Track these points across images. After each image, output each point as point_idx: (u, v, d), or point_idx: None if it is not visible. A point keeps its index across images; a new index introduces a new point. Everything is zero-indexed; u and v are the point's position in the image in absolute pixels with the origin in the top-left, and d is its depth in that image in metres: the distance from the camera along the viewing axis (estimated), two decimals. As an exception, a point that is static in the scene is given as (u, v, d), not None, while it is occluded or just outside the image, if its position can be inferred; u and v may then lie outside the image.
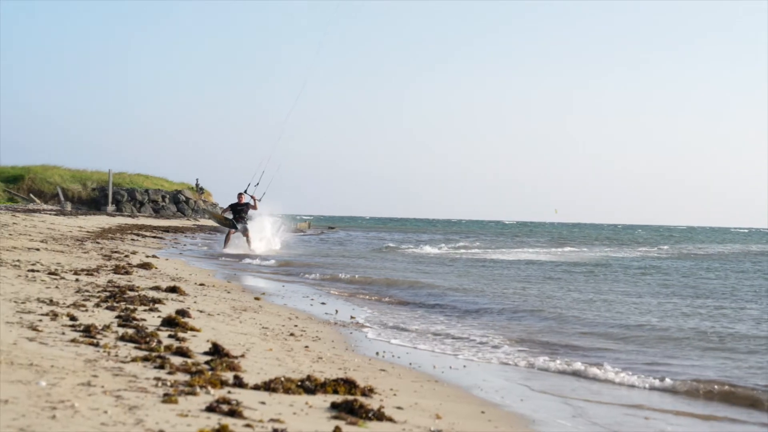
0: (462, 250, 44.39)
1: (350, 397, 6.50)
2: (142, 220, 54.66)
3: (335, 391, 6.85)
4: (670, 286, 23.14)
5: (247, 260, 27.03)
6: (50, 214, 43.66)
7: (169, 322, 9.35)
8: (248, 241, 31.36)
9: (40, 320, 8.37)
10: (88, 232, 31.73)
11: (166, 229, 44.97)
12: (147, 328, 8.74)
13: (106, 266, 16.30)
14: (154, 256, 22.03)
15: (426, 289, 19.46)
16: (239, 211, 31.64)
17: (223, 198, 70.21)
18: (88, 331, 8.00)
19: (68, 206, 63.95)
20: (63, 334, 7.78)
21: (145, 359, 6.98)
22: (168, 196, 72.59)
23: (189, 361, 7.29)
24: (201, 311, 11.47)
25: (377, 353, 10.35)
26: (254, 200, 31.96)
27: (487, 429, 6.78)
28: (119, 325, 8.73)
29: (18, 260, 14.73)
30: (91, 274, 14.10)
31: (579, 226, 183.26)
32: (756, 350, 11.88)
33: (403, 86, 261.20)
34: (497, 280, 23.78)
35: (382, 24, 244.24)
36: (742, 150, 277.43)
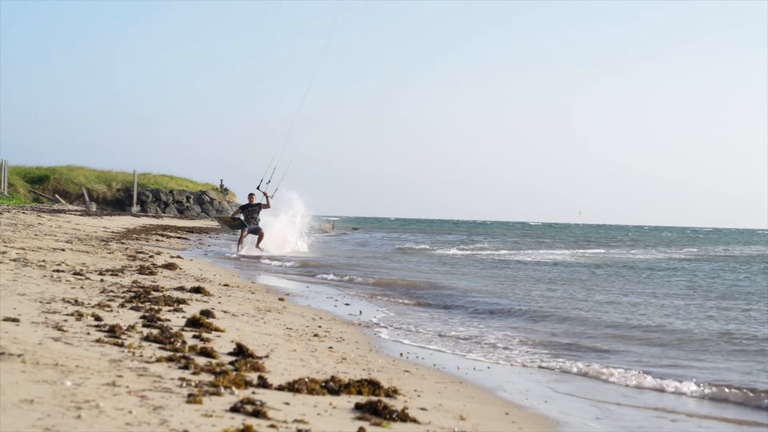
0: (486, 251, 44.30)
1: (374, 398, 6.48)
2: (166, 221, 54.94)
3: (359, 392, 6.84)
4: (696, 288, 22.99)
5: (268, 261, 26.93)
6: (75, 214, 43.92)
7: (193, 323, 9.38)
8: (259, 240, 30.36)
9: (66, 320, 8.41)
10: (112, 232, 31.89)
11: (191, 230, 45.18)
12: (171, 329, 8.76)
13: (131, 267, 16.37)
14: (178, 257, 22.10)
15: (449, 291, 19.42)
16: (251, 212, 30.59)
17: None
18: (112, 331, 8.02)
19: (93, 207, 64.35)
20: (88, 334, 7.81)
21: (169, 359, 6.99)
22: (192, 196, 72.91)
23: (213, 361, 7.30)
24: (225, 312, 11.49)
25: (401, 354, 10.34)
26: (267, 197, 30.95)
27: (512, 430, 6.75)
28: (144, 326, 8.76)
29: (43, 260, 14.81)
30: (116, 275, 14.16)
31: (604, 227, 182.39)
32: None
33: (429, 87, 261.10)
34: (521, 281, 23.71)
35: (404, 23, 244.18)
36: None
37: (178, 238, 35.97)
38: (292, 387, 6.63)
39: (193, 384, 6.18)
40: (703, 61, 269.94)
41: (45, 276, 12.37)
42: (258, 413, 5.55)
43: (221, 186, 79.00)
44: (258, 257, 28.08)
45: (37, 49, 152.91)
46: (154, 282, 13.94)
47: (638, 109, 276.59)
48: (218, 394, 5.97)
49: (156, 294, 11.96)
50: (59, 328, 7.84)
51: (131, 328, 8.34)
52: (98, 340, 7.50)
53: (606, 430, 7.22)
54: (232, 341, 8.52)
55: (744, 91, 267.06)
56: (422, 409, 6.79)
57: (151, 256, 20.46)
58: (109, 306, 9.87)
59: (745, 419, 8.12)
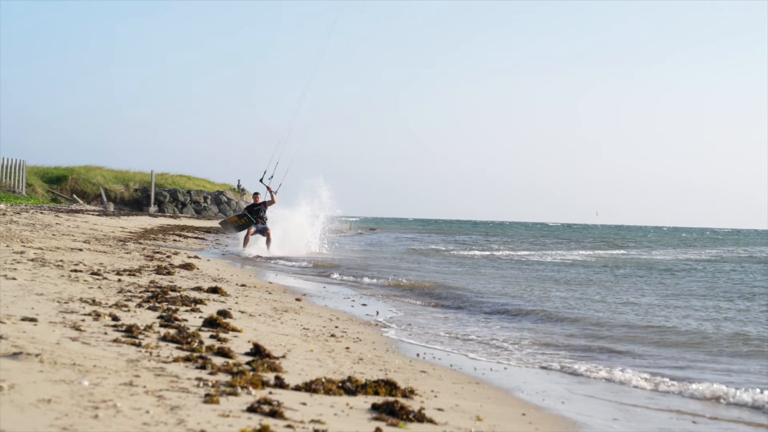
0: (504, 252, 44.24)
1: (391, 399, 6.48)
2: (184, 221, 55.07)
3: (376, 393, 6.83)
4: (714, 289, 22.89)
5: (285, 261, 26.81)
6: (93, 214, 44.07)
7: (210, 323, 9.39)
8: (268, 242, 29.40)
9: (83, 320, 8.43)
10: (130, 232, 31.97)
11: (208, 230, 45.25)
12: (189, 329, 8.77)
13: (148, 267, 16.40)
14: (195, 257, 22.14)
15: (466, 292, 19.38)
16: (257, 212, 29.57)
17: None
18: (130, 331, 8.04)
19: (111, 207, 64.57)
20: (105, 334, 7.83)
21: (186, 359, 7.00)
22: (210, 197, 73.05)
23: (230, 361, 7.30)
24: (242, 312, 11.51)
25: (418, 355, 10.33)
26: (271, 192, 29.91)
27: (529, 431, 6.73)
28: (161, 326, 8.78)
29: (61, 260, 14.86)
30: (134, 275, 14.20)
31: (623, 228, 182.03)
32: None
33: (453, 86, 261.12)
34: (539, 282, 23.67)
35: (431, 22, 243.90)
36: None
37: (196, 238, 36.02)
38: (309, 387, 6.63)
39: (210, 384, 6.18)
40: (720, 62, 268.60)
41: (63, 276, 12.41)
42: (275, 413, 5.55)
43: (238, 186, 79.10)
44: (274, 258, 27.80)
45: (54, 51, 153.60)
46: (171, 282, 13.97)
47: (649, 111, 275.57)
48: (235, 394, 5.98)
49: (173, 294, 11.99)
50: (77, 328, 7.86)
51: (148, 328, 8.36)
52: (115, 340, 7.52)
53: (624, 431, 7.19)
54: (249, 341, 8.53)
55: (763, 92, 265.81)
56: (439, 409, 6.78)
57: (168, 257, 20.50)
58: (126, 306, 9.89)
59: (763, 423, 8.07)
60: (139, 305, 10.19)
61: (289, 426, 5.36)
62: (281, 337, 9.85)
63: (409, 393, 7.06)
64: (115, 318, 8.75)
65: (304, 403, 6.13)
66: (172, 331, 8.34)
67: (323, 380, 6.84)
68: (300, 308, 13.40)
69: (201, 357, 7.12)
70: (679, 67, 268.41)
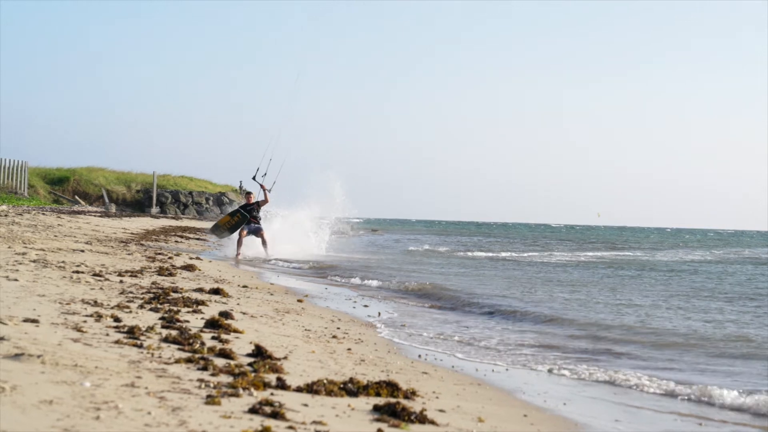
0: (507, 253, 44.22)
1: (392, 400, 6.48)
2: (185, 222, 55.09)
3: (377, 394, 6.83)
4: (717, 290, 22.86)
5: (283, 263, 26.67)
6: (95, 215, 44.07)
7: (212, 324, 9.39)
8: (264, 243, 28.27)
9: (85, 321, 8.44)
10: (132, 233, 31.97)
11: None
12: (190, 330, 8.77)
13: (150, 268, 16.41)
14: (197, 258, 22.15)
15: (467, 293, 19.35)
16: (249, 212, 28.30)
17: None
18: (131, 332, 8.04)
19: (113, 208, 64.56)
20: (107, 335, 7.83)
21: (188, 361, 7.00)
22: (212, 198, 73.09)
23: (232, 362, 7.30)
24: (244, 313, 11.51)
25: (419, 356, 10.33)
26: (264, 190, 28.95)
27: (531, 433, 6.73)
28: (163, 327, 8.78)
29: (63, 261, 14.87)
30: (135, 276, 14.20)
31: (626, 229, 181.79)
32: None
33: (453, 86, 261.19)
34: (540, 283, 23.65)
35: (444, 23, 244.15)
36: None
37: (197, 239, 36.03)
38: (311, 388, 6.63)
39: (211, 385, 6.18)
40: (738, 59, 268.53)
41: (64, 277, 12.42)
42: (276, 414, 5.55)
43: (240, 187, 79.09)
44: (274, 259, 27.53)
45: (55, 51, 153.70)
46: (173, 283, 13.97)
47: (649, 111, 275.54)
48: (237, 395, 5.98)
49: (175, 295, 11.99)
50: (78, 329, 7.86)
51: (150, 329, 8.36)
52: (117, 341, 7.52)
53: (626, 433, 7.18)
54: (250, 342, 8.53)
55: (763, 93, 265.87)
56: (441, 410, 6.78)
57: (170, 258, 20.51)
58: (128, 307, 9.90)
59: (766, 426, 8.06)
60: (141, 306, 10.19)
61: (290, 427, 5.36)
62: (283, 338, 9.85)
63: (410, 394, 7.06)
64: (116, 319, 8.76)
65: (305, 405, 6.13)
66: (174, 333, 8.34)
67: (325, 381, 6.84)
68: (302, 309, 13.40)
69: (203, 358, 7.12)
70: (679, 66, 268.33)
